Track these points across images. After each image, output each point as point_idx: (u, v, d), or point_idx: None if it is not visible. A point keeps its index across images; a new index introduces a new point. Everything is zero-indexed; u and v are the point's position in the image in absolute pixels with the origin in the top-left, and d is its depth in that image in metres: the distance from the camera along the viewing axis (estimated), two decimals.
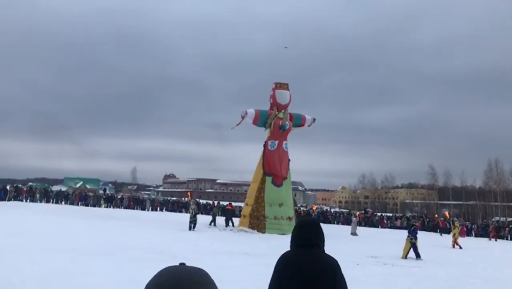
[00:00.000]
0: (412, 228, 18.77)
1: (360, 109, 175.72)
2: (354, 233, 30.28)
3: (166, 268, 1.25)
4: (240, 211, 35.08)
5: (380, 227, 47.33)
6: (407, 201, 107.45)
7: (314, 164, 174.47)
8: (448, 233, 38.15)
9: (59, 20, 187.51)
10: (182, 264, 1.27)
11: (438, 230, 41.52)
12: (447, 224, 41.12)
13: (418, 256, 17.69)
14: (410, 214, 70.09)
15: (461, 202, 79.33)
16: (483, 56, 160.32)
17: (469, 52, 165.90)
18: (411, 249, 17.86)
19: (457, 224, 27.34)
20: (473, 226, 46.58)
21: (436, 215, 49.38)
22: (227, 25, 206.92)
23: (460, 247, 24.80)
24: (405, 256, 17.68)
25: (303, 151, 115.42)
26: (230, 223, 29.24)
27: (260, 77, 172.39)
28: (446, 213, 38.19)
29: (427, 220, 51.74)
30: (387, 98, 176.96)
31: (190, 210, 25.65)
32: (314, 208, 36.23)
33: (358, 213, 38.02)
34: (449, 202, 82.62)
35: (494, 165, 75.12)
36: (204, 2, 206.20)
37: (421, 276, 12.83)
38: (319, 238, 3.06)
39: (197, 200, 51.14)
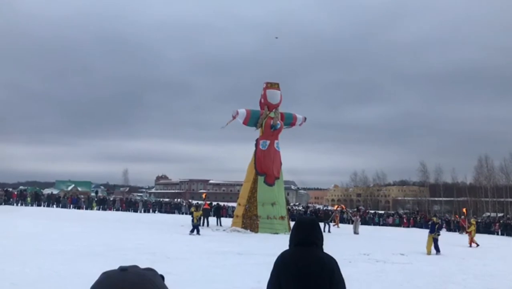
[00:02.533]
0: (437, 225, 20.25)
1: (346, 108, 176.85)
2: (356, 232, 30.18)
3: (105, 277, 1.09)
4: (233, 211, 35.12)
5: (372, 224, 47.60)
6: (399, 198, 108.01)
7: (306, 162, 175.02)
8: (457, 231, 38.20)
9: (41, 24, 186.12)
10: (124, 270, 1.09)
11: (458, 229, 40.27)
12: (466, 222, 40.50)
13: (438, 250, 19.08)
14: (402, 211, 70.58)
15: (452, 198, 79.88)
16: (461, 54, 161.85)
17: (447, 49, 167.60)
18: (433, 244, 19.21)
19: (473, 221, 26.49)
20: (441, 223, 46.77)
21: (456, 216, 48.90)
22: (209, 28, 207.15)
23: (477, 245, 23.96)
24: (430, 252, 19.05)
25: (294, 150, 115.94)
26: (217, 223, 29.65)
27: (245, 78, 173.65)
28: (464, 210, 37.27)
29: (419, 216, 52.16)
30: (372, 96, 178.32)
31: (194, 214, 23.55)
32: (336, 207, 36.17)
33: (352, 211, 38.09)
34: (440, 199, 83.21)
35: (484, 161, 75.79)
36: (185, 5, 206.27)
37: (413, 272, 12.92)
38: (317, 237, 3.08)
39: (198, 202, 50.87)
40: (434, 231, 19.67)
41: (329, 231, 29.31)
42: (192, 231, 22.18)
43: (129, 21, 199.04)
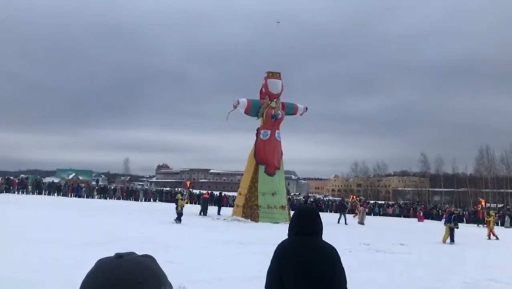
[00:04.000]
0: (453, 216, 20.89)
1: (345, 99, 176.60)
2: (361, 222, 30.22)
3: (101, 264, 1.06)
4: (233, 200, 35.20)
5: (372, 214, 47.71)
6: (399, 188, 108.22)
7: (306, 152, 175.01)
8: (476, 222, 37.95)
9: (38, 12, 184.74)
10: (120, 257, 1.05)
11: (477, 221, 40.28)
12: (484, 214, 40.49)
13: (452, 240, 19.86)
14: (402, 202, 70.67)
15: (452, 189, 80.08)
16: (458, 45, 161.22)
17: (445, 41, 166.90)
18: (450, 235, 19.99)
19: (492, 213, 26.15)
20: (464, 212, 47.10)
21: (478, 206, 48.94)
22: (206, 17, 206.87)
23: (497, 238, 23.68)
24: (445, 241, 19.91)
25: (294, 140, 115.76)
26: (208, 212, 29.68)
27: (243, 68, 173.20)
28: (483, 201, 37.01)
29: (419, 207, 52.27)
30: (371, 88, 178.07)
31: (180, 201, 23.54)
32: (351, 199, 35.94)
33: (352, 198, 38.00)
34: (441, 189, 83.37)
35: (485, 152, 75.88)
36: None
37: (413, 262, 12.96)
38: (318, 226, 3.06)
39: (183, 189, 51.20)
40: (451, 221, 20.34)
41: (345, 223, 28.99)
42: (177, 219, 22.28)
43: (127, 10, 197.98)
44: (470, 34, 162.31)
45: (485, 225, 31.06)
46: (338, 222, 29.24)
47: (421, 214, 43.72)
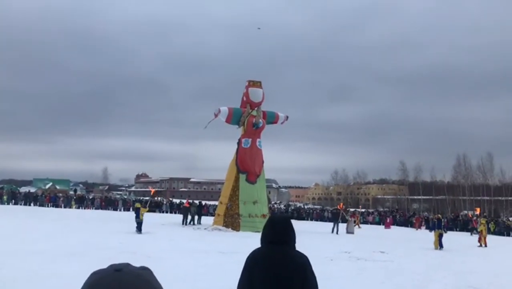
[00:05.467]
0: (442, 223, 22.24)
1: (322, 107, 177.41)
2: (351, 232, 29.84)
3: (99, 277, 0.99)
4: (214, 209, 35.00)
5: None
6: (379, 196, 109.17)
7: (287, 161, 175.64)
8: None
9: (12, 18, 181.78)
10: (118, 270, 0.99)
11: (470, 230, 39.65)
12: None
13: (441, 245, 20.68)
14: (382, 209, 71.31)
15: (431, 197, 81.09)
16: (431, 54, 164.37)
17: (417, 50, 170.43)
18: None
19: (483, 221, 26.13)
20: (443, 219, 47.68)
21: (470, 215, 49.44)
22: (181, 26, 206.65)
23: (485, 245, 23.73)
24: (437, 247, 20.67)
25: (275, 148, 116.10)
26: (195, 221, 29.61)
27: (219, 77, 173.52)
28: (477, 209, 37.05)
29: (398, 215, 52.79)
30: (347, 96, 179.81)
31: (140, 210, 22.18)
32: (340, 206, 35.94)
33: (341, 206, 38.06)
34: (420, 197, 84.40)
35: (462, 160, 77.13)
36: (156, 3, 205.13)
37: (394, 270, 13.03)
38: (289, 235, 3.03)
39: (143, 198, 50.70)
40: (440, 228, 21.49)
41: (337, 233, 28.47)
42: (139, 229, 21.02)
43: (101, 18, 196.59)
44: (441, 44, 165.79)
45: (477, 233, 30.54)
46: (332, 232, 28.64)
47: (388, 220, 44.33)
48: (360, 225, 39.39)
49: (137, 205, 23.49)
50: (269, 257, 2.95)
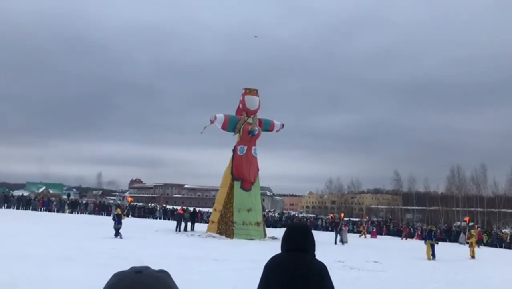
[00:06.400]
0: (433, 233, 22.37)
1: (317, 115, 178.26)
2: (345, 241, 29.42)
3: (120, 278, 1.03)
4: (208, 216, 34.92)
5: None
6: (373, 206, 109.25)
7: (282, 168, 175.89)
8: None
9: (5, 21, 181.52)
10: (139, 272, 1.04)
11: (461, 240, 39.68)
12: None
13: (434, 256, 20.89)
14: (375, 219, 71.34)
15: (424, 207, 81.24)
16: (419, 64, 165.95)
17: (407, 60, 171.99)
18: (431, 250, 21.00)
19: (473, 232, 25.23)
20: (434, 230, 47.77)
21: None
22: (172, 33, 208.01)
23: (473, 257, 23.15)
24: (430, 257, 20.81)
25: (270, 156, 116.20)
26: (189, 227, 29.60)
27: (212, 84, 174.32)
28: (466, 219, 36.35)
29: (392, 225, 52.86)
30: (339, 105, 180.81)
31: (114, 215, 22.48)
32: (342, 216, 35.99)
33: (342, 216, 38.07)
34: (413, 207, 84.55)
35: (456, 172, 77.44)
36: (146, 10, 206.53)
37: (387, 280, 13.04)
38: (309, 243, 3.07)
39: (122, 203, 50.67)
40: (432, 238, 21.52)
41: (340, 242, 27.80)
42: (117, 234, 20.93)
43: (95, 23, 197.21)
44: (434, 55, 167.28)
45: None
46: (336, 243, 27.76)
47: (374, 230, 44.43)
48: (366, 235, 39.95)
49: (118, 211, 23.38)
50: (286, 264, 2.99)
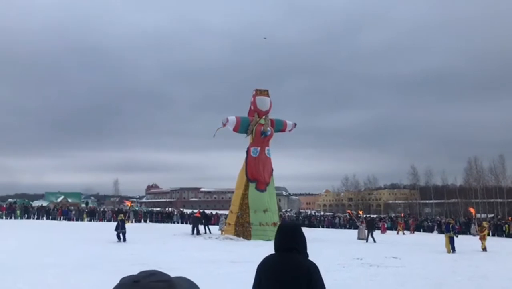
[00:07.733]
0: (451, 225, 22.16)
1: (324, 114, 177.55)
2: (362, 238, 29.07)
3: (118, 286, 1.00)
4: (225, 218, 34.98)
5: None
6: (390, 201, 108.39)
7: (297, 168, 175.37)
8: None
9: (17, 34, 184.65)
10: (136, 281, 1.00)
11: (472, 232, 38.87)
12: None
13: (453, 249, 20.70)
14: (393, 214, 70.77)
15: (442, 201, 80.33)
16: (428, 58, 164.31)
17: (413, 54, 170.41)
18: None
19: (485, 224, 24.84)
20: (451, 223, 47.10)
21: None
22: (179, 37, 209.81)
23: (484, 249, 22.47)
24: (449, 251, 20.62)
25: (284, 156, 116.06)
26: (206, 230, 29.74)
27: (220, 86, 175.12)
28: (472, 210, 35.52)
29: (410, 219, 52.32)
30: (350, 102, 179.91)
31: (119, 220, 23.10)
32: (361, 212, 36.28)
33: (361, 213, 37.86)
34: (431, 201, 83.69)
35: (473, 163, 76.41)
36: (151, 15, 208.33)
37: (407, 275, 12.93)
38: (297, 242, 3.06)
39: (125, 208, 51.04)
40: (450, 231, 21.32)
41: (374, 241, 26.95)
42: (120, 238, 22.12)
43: (103, 33, 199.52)
44: (438, 48, 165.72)
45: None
46: (367, 241, 27.27)
47: (385, 225, 44.06)
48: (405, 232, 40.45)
49: (121, 216, 23.82)
50: (275, 263, 3.01)
